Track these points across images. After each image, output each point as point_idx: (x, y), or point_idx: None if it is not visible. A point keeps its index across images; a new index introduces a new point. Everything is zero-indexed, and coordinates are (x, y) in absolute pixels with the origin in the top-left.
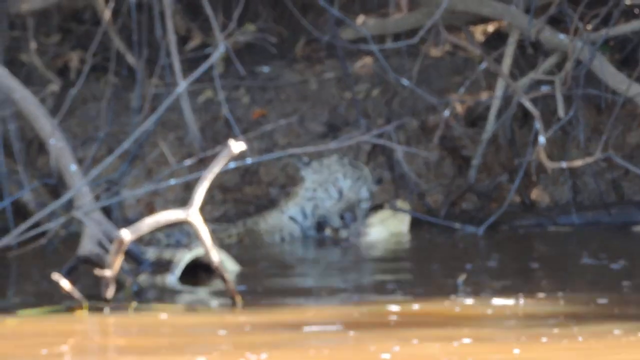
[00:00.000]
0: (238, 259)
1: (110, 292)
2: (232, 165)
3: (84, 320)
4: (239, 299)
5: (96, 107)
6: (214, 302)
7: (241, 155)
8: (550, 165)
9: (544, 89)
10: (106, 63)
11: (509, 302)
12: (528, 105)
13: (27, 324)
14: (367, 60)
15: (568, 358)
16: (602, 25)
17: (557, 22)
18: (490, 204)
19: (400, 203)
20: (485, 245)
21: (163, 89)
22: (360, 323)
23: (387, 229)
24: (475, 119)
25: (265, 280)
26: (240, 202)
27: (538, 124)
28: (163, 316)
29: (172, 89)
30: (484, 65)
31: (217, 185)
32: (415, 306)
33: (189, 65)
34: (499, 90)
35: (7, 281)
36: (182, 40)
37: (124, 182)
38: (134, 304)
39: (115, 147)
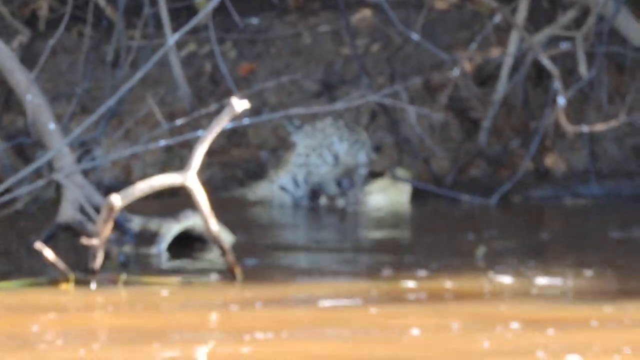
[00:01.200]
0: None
1: (97, 263)
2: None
3: (72, 294)
4: (239, 272)
5: (67, 60)
6: (211, 276)
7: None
8: (570, 129)
9: (564, 45)
10: (78, 12)
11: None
12: (547, 63)
13: (10, 298)
14: (366, 12)
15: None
16: None
17: None
18: (501, 171)
19: (401, 171)
20: (497, 218)
21: (140, 42)
22: (379, 299)
23: (387, 198)
24: (485, 78)
25: (262, 252)
26: (227, 165)
27: (557, 84)
28: (161, 291)
29: (153, 41)
30: (497, 18)
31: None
32: (434, 282)
33: (170, 15)
34: (512, 47)
35: None
36: None
37: (100, 143)
38: (124, 276)
39: (89, 104)
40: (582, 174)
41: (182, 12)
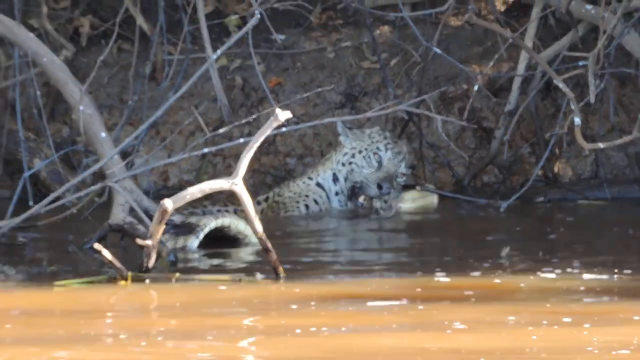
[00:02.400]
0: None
1: (151, 262)
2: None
3: (130, 291)
4: (281, 271)
5: (107, 73)
6: (257, 274)
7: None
8: (587, 146)
9: (581, 64)
10: (118, 29)
11: (566, 276)
12: (562, 85)
13: (73, 295)
14: (385, 29)
15: None
16: None
17: None
18: (512, 177)
19: (429, 185)
20: (515, 219)
21: (177, 56)
22: (425, 297)
23: (416, 206)
24: (496, 90)
25: (297, 252)
26: (258, 172)
27: (573, 105)
28: (215, 288)
29: (189, 56)
30: (510, 39)
31: (234, 155)
32: (467, 279)
33: (198, 32)
34: (522, 64)
35: (39, 250)
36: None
37: (139, 150)
38: (177, 274)
39: (126, 114)
40: (587, 180)
41: (214, 29)
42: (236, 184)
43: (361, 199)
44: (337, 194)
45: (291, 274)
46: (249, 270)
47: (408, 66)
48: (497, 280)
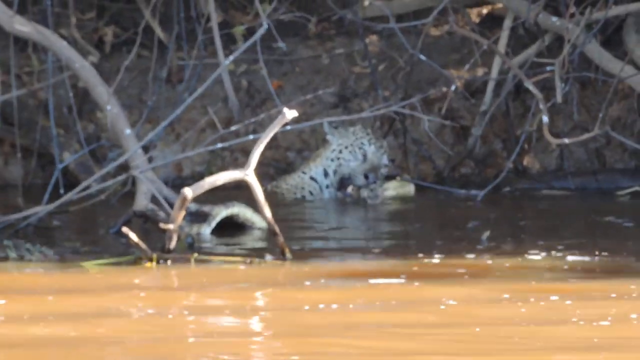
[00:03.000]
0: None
1: (172, 244)
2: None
3: (155, 271)
4: (288, 252)
5: (128, 77)
6: (266, 256)
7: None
8: (554, 141)
9: (549, 69)
10: (137, 37)
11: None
12: (531, 87)
13: (103, 275)
14: (373, 38)
15: None
16: (590, 7)
17: (549, 6)
18: (486, 170)
19: (406, 175)
20: (488, 207)
21: (191, 62)
22: (421, 275)
23: (396, 194)
24: (472, 92)
25: (296, 237)
26: (261, 164)
27: (542, 105)
28: (231, 268)
29: (202, 62)
30: (484, 46)
31: (240, 149)
32: (459, 260)
33: (209, 40)
34: (495, 68)
35: (72, 233)
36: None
37: (156, 145)
38: (195, 255)
39: (144, 113)
40: (553, 172)
41: (222, 38)
42: (248, 175)
43: (349, 189)
44: (327, 186)
45: (296, 255)
46: (257, 252)
47: (394, 71)
48: (488, 262)
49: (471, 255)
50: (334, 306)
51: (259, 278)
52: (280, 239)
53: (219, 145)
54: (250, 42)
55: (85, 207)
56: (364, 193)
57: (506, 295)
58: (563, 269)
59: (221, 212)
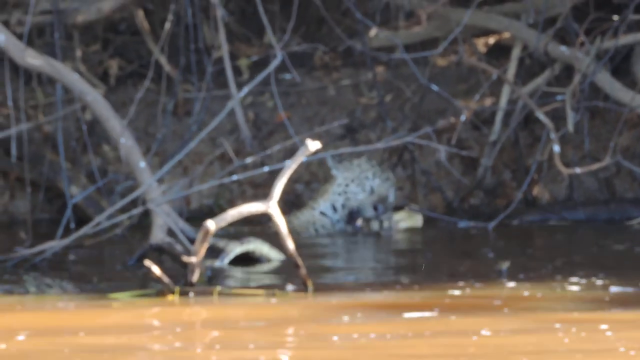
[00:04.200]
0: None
1: (195, 277)
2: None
3: (179, 304)
4: (310, 284)
5: (134, 110)
6: (288, 287)
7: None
8: (566, 171)
9: (559, 99)
10: (142, 70)
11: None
12: (543, 118)
13: (130, 309)
14: (380, 69)
15: None
16: (600, 36)
17: (557, 35)
18: (496, 200)
19: (414, 205)
20: (499, 237)
21: (200, 94)
22: (458, 306)
23: (405, 223)
24: (481, 122)
25: (316, 268)
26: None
27: (552, 135)
28: (254, 301)
29: (210, 94)
30: (494, 76)
31: (248, 182)
32: (492, 290)
33: (217, 72)
34: (504, 97)
35: (87, 267)
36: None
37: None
38: (218, 288)
39: (152, 146)
40: (564, 202)
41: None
42: (271, 207)
43: (359, 221)
44: (337, 221)
45: (317, 287)
46: (278, 284)
47: (401, 102)
48: (523, 292)
49: (501, 286)
50: (370, 337)
51: (285, 311)
52: (303, 270)
53: (234, 177)
54: (265, 73)
55: (99, 241)
56: (374, 225)
57: (546, 325)
58: (597, 298)
59: (236, 249)
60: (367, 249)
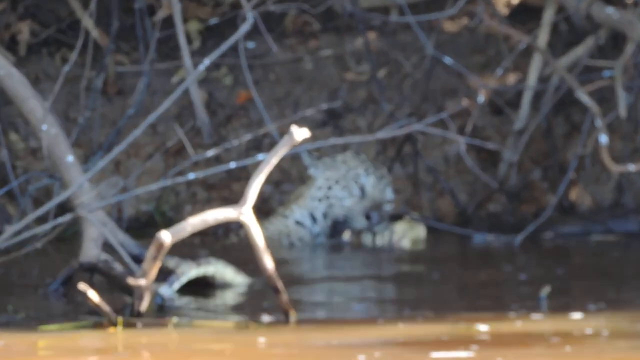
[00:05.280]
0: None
1: (144, 305)
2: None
3: (134, 342)
4: (293, 313)
5: (51, 87)
6: (263, 317)
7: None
8: (615, 168)
9: (606, 75)
10: (61, 36)
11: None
12: (586, 99)
13: (61, 349)
14: (371, 36)
15: None
16: None
17: None
18: (521, 206)
19: (415, 214)
20: (527, 255)
21: (130, 67)
22: (502, 343)
23: (407, 237)
24: (503, 105)
25: (296, 292)
26: (228, 201)
27: (598, 122)
28: (246, 335)
29: (153, 68)
30: (521, 46)
31: (200, 182)
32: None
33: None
34: (533, 73)
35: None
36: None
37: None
38: (174, 319)
39: (73, 134)
40: (609, 209)
41: (171, 38)
42: (244, 214)
43: (346, 235)
44: (317, 235)
45: (303, 318)
46: (250, 315)
47: (400, 78)
48: (586, 328)
49: (548, 318)
50: None
51: (266, 351)
52: (284, 296)
53: (191, 175)
54: (233, 40)
55: (11, 259)
56: (366, 239)
57: None
58: None
59: (189, 272)
60: (356, 268)
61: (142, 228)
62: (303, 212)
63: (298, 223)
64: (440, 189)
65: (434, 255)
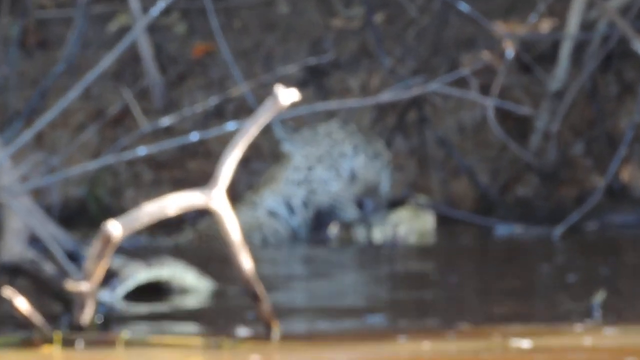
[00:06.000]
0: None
1: (87, 317)
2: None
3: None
4: (276, 327)
5: None
6: (239, 330)
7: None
8: None
9: None
10: None
11: None
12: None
13: None
14: None
15: None
16: None
17: None
18: (559, 189)
19: (421, 197)
20: (568, 250)
21: (55, 11)
22: None
23: (412, 230)
24: (534, 60)
25: (277, 301)
26: (181, 182)
27: None
28: (206, 353)
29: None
30: None
31: (145, 160)
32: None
33: None
34: (573, 18)
35: None
36: None
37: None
38: (124, 335)
39: None
40: None
41: None
42: (214, 199)
43: (333, 228)
44: (298, 227)
45: (289, 333)
46: (222, 328)
47: (403, 26)
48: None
49: (603, 330)
50: None
51: None
52: (265, 305)
53: (143, 150)
54: None
55: None
56: (359, 233)
57: None
58: None
59: (137, 276)
60: (347, 269)
61: (71, 217)
62: (277, 200)
63: (271, 213)
64: (454, 167)
65: (446, 251)
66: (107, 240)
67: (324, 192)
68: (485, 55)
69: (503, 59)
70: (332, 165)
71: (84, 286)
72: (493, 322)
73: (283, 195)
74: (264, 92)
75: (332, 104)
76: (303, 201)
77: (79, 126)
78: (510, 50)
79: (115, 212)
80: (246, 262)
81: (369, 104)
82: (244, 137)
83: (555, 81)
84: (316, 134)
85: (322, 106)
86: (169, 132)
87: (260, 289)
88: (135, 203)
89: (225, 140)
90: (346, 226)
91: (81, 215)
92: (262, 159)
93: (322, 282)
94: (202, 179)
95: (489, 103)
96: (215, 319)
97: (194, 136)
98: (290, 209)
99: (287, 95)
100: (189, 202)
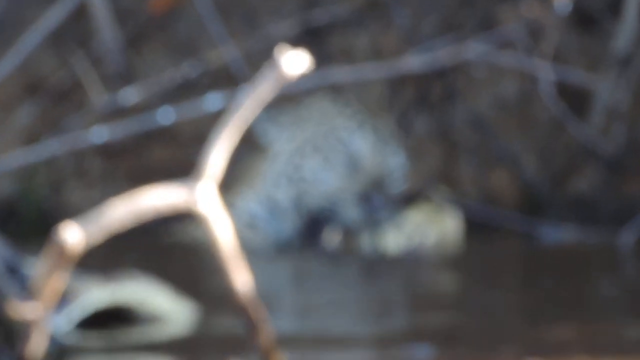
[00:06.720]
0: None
1: (37, 348)
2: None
3: None
4: None
5: None
6: None
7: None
8: None
9: None
10: None
11: None
12: None
13: None
14: None
15: None
16: None
17: None
18: (626, 182)
19: (443, 190)
20: (630, 261)
21: None
22: None
23: (435, 233)
24: (591, 16)
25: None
26: (139, 175)
27: None
28: None
29: None
30: None
31: (97, 153)
32: None
33: None
34: None
35: None
36: None
37: None
38: None
39: None
40: None
41: None
42: (199, 195)
43: (331, 235)
44: (282, 236)
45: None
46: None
47: None
48: None
49: None
50: None
51: None
52: (266, 332)
53: (101, 136)
54: None
55: None
56: (365, 241)
57: None
58: None
59: (91, 297)
60: (351, 289)
61: (5, 221)
62: (260, 199)
63: (251, 217)
64: (491, 154)
65: (480, 262)
66: (62, 251)
67: (319, 189)
68: (530, 9)
69: (553, 14)
70: (326, 155)
71: (31, 311)
72: (545, 352)
73: (265, 195)
74: (247, 59)
75: (335, 74)
76: (291, 201)
77: (10, 103)
78: (563, 2)
79: (55, 214)
80: (242, 278)
81: (384, 75)
82: (239, 116)
83: (621, 42)
84: (307, 112)
85: (321, 76)
86: (122, 110)
87: (259, 312)
88: (81, 204)
89: (192, 123)
90: (348, 232)
91: (11, 218)
92: (239, 147)
93: (318, 302)
94: (165, 169)
95: (548, 69)
96: (198, 351)
97: (166, 115)
98: (275, 212)
99: (293, 62)
100: (169, 202)
